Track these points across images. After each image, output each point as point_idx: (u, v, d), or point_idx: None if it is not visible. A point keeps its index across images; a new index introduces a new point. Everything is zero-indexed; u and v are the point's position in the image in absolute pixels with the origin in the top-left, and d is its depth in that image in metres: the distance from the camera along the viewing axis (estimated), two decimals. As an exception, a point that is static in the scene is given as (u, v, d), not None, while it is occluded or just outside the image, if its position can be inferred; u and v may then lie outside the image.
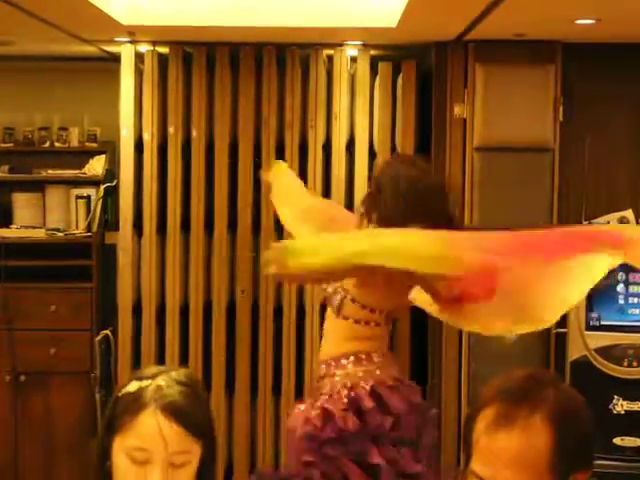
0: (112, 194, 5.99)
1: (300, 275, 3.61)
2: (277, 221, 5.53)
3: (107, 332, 5.81)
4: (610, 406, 5.11)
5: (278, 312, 5.76)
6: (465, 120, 5.48)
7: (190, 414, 2.10)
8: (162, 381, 2.13)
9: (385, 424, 3.74)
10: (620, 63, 5.52)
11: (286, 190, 4.60)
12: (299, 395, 5.62)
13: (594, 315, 5.26)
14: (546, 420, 1.89)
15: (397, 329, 5.42)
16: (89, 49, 5.80)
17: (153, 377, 2.14)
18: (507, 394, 1.93)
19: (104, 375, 5.69)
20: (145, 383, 2.13)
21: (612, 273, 5.17)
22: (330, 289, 3.84)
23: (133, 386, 2.13)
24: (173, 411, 2.08)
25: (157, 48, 5.69)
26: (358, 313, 3.78)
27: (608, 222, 5.36)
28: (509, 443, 1.87)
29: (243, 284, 5.78)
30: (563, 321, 5.15)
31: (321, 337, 5.17)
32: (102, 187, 6.01)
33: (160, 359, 5.56)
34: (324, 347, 3.92)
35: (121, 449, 2.08)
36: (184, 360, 5.70)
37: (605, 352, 5.22)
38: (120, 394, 2.13)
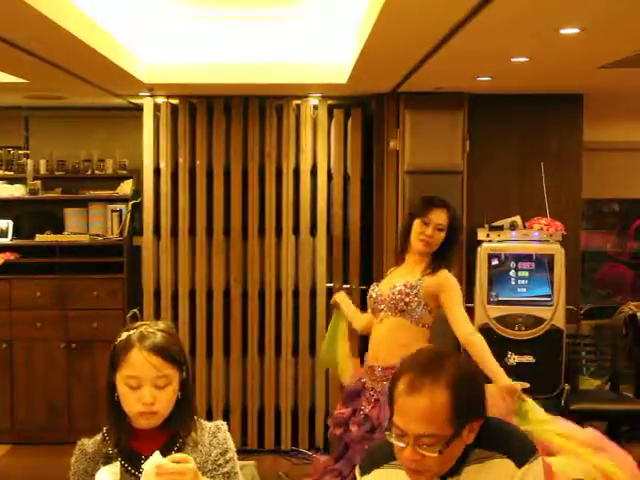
0: (138, 208, 6.01)
1: None
2: (261, 227, 5.73)
3: (135, 310, 5.88)
4: (505, 359, 5.10)
5: (261, 295, 5.77)
6: (398, 151, 5.52)
7: (166, 348, 2.19)
8: (144, 329, 2.21)
9: None
10: (509, 109, 5.67)
11: None
12: (278, 354, 5.74)
13: (493, 293, 5.37)
14: (444, 386, 1.93)
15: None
16: (119, 101, 5.93)
17: (137, 327, 2.23)
18: (416, 366, 1.98)
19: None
20: (132, 332, 2.21)
21: (507, 261, 5.29)
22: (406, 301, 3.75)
23: (123, 335, 2.22)
24: (153, 347, 2.17)
25: (170, 100, 5.77)
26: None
27: (502, 226, 5.47)
28: (416, 404, 1.92)
29: (235, 274, 5.76)
30: (471, 297, 5.26)
31: (296, 314, 5.30)
32: (130, 203, 6.09)
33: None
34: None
35: (121, 380, 2.18)
36: (192, 331, 5.81)
37: (501, 320, 5.29)
38: (116, 342, 2.22)
